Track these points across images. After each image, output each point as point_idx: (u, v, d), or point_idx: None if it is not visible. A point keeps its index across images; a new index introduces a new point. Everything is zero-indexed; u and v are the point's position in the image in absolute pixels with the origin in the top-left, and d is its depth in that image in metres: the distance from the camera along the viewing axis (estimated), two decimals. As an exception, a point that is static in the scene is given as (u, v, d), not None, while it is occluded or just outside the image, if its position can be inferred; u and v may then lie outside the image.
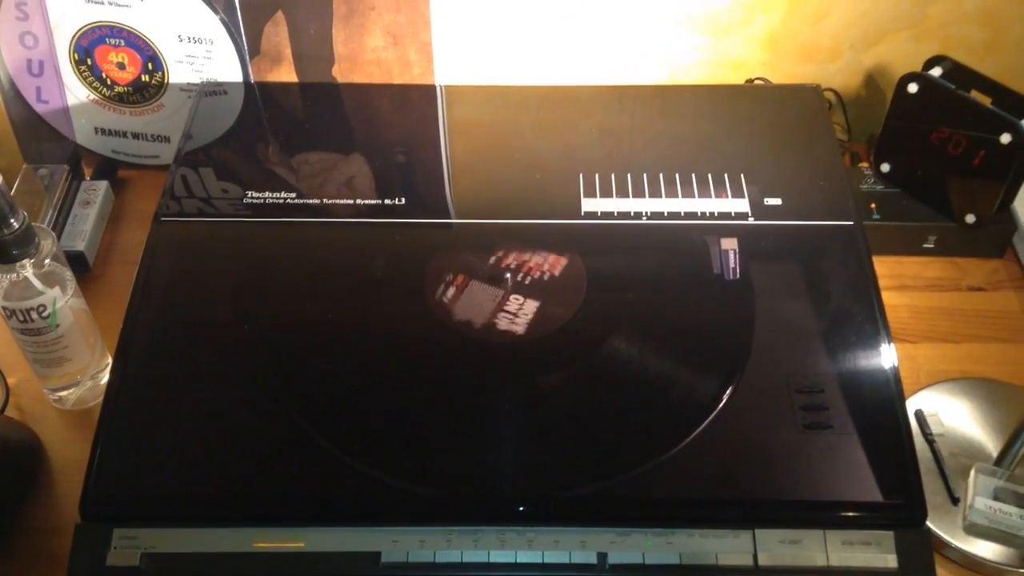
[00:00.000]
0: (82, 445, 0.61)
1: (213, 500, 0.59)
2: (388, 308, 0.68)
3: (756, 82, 0.93)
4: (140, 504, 0.59)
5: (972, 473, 0.66)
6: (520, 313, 0.65)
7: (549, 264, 0.68)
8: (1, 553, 0.66)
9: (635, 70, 0.95)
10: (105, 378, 0.74)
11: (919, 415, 0.70)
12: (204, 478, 0.60)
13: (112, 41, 0.87)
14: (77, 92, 0.90)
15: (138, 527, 0.57)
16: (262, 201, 0.74)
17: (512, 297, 0.66)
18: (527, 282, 0.68)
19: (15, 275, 0.65)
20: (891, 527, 0.57)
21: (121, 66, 0.88)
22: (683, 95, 0.86)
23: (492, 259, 0.69)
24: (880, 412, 0.61)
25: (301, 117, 0.84)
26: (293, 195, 0.75)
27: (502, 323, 0.65)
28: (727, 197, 0.73)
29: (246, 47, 0.87)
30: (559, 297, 0.67)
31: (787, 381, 0.62)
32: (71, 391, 0.74)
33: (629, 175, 0.75)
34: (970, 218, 0.81)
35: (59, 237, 0.84)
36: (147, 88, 0.90)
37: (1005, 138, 0.75)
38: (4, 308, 0.66)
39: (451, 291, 0.65)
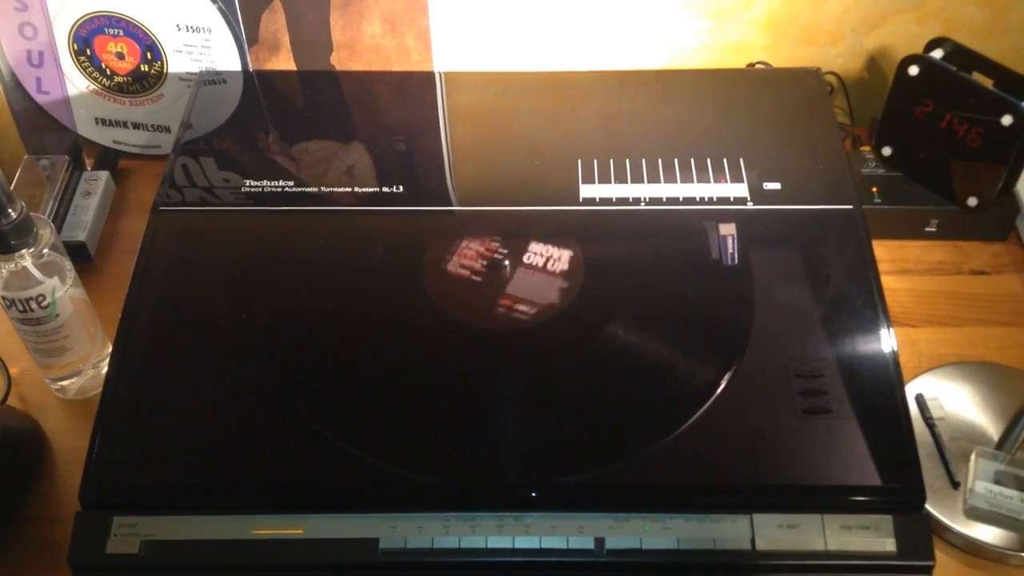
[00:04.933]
0: (83, 434, 0.61)
1: (212, 488, 0.59)
2: (387, 296, 0.68)
3: (757, 66, 0.93)
4: (140, 492, 0.59)
5: (973, 457, 0.66)
6: (553, 257, 0.67)
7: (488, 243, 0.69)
8: (4, 541, 0.66)
9: (635, 55, 0.95)
10: (106, 368, 0.74)
11: (920, 399, 0.70)
12: (203, 466, 0.60)
13: (111, 31, 0.87)
14: (77, 82, 0.90)
15: (138, 515, 0.58)
16: (261, 190, 0.74)
17: (529, 254, 0.67)
18: (519, 256, 0.68)
19: (14, 265, 0.65)
20: (890, 511, 0.57)
21: (120, 56, 0.88)
22: (683, 80, 0.86)
23: (487, 261, 0.69)
24: (879, 396, 0.61)
25: (300, 105, 0.84)
26: (292, 183, 0.75)
27: (558, 274, 0.66)
28: (726, 182, 0.73)
29: (244, 35, 0.87)
30: (556, 282, 0.67)
31: (786, 366, 0.62)
32: (72, 381, 0.74)
33: (628, 161, 0.75)
34: (972, 201, 0.80)
35: (60, 228, 0.84)
36: (146, 78, 0.90)
37: (1007, 120, 0.75)
38: (4, 298, 0.67)
39: (523, 310, 0.65)
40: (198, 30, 0.86)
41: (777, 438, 0.59)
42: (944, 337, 0.77)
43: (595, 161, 0.75)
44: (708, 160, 0.74)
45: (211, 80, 0.85)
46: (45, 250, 0.67)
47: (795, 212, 0.71)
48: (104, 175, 0.90)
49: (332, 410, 0.61)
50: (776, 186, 0.72)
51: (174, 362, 0.64)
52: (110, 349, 0.75)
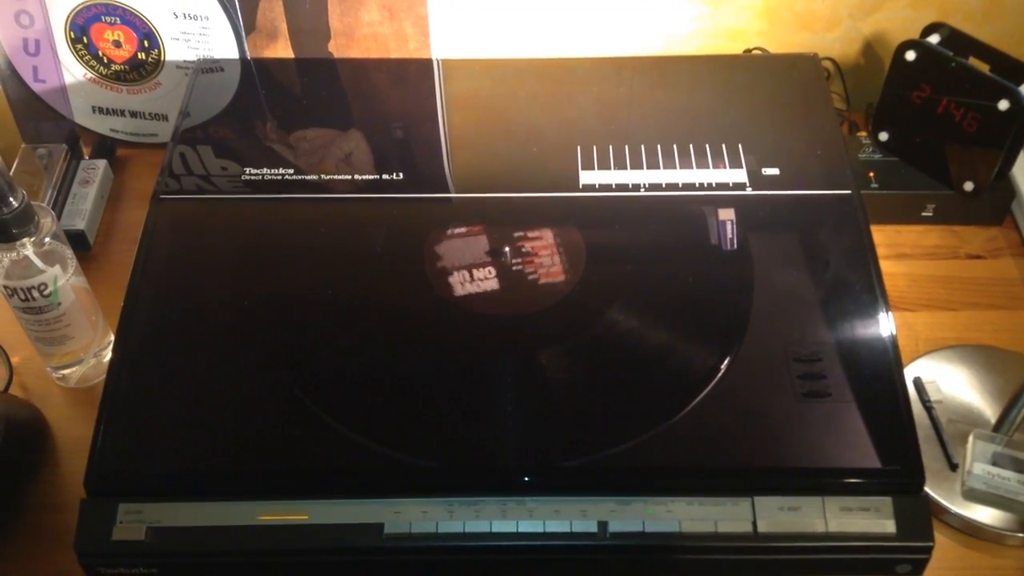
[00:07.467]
0: (86, 422, 0.62)
1: (217, 474, 0.60)
2: (387, 282, 0.68)
3: (754, 52, 0.93)
4: (144, 479, 0.59)
5: (970, 439, 0.66)
6: (553, 243, 0.67)
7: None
8: (9, 529, 0.67)
9: (632, 41, 0.95)
10: (108, 356, 0.75)
11: (917, 382, 0.71)
12: (208, 453, 0.60)
13: (108, 19, 0.87)
14: (74, 71, 0.90)
15: (143, 502, 0.58)
16: (260, 178, 0.74)
17: (529, 240, 0.68)
18: (519, 243, 0.68)
19: (15, 254, 0.66)
20: (889, 493, 0.57)
21: (117, 44, 0.88)
22: (681, 66, 0.86)
23: (487, 248, 0.69)
24: (878, 380, 0.61)
25: (298, 93, 0.84)
26: (291, 171, 0.75)
27: (559, 260, 0.66)
28: (725, 167, 0.73)
29: (242, 23, 0.86)
30: (557, 268, 0.67)
31: (785, 350, 0.63)
32: (74, 369, 0.74)
33: (627, 147, 0.75)
34: (968, 186, 0.81)
35: (59, 216, 0.84)
36: (143, 66, 0.89)
37: (1003, 105, 0.75)
38: (5, 287, 0.67)
39: (524, 295, 0.66)
40: (195, 18, 0.86)
41: (777, 421, 0.60)
42: (941, 321, 0.77)
43: (594, 148, 0.75)
44: (707, 146, 0.74)
45: (209, 68, 0.85)
46: (47, 239, 0.67)
47: (793, 197, 0.71)
48: (102, 163, 0.89)
49: (335, 396, 0.62)
50: (775, 171, 0.73)
51: (177, 349, 0.64)
52: (111, 338, 0.75)
